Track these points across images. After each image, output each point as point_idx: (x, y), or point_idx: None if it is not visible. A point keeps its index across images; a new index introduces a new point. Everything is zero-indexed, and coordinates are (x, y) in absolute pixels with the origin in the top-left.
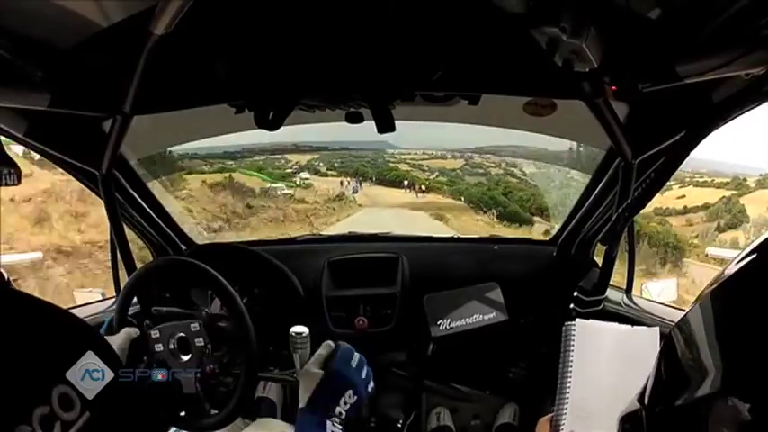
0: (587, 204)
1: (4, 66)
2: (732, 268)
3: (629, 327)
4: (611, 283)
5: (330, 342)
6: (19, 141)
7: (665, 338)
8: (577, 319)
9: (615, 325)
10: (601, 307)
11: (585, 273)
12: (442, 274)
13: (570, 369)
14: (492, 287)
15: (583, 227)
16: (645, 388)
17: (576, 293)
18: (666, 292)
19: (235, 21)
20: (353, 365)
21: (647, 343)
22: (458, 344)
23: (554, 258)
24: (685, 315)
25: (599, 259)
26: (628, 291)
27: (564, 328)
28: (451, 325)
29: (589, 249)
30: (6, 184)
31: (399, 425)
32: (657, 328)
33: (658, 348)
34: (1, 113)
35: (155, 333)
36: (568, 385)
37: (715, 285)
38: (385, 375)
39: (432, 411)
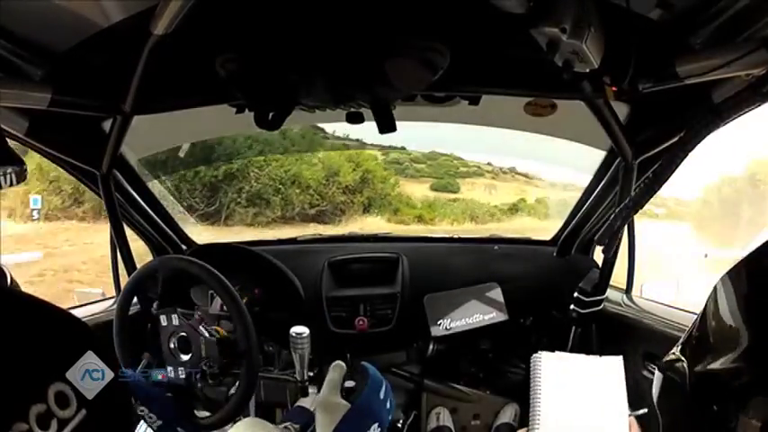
0: (588, 204)
1: (4, 66)
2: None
3: (593, 357)
4: (611, 283)
5: (341, 363)
6: (19, 141)
7: (714, 289)
8: (543, 353)
9: (580, 356)
10: (601, 307)
11: (585, 273)
12: (442, 275)
13: (539, 399)
14: (492, 287)
15: (583, 227)
16: (689, 336)
17: (575, 294)
18: (666, 292)
19: (235, 21)
20: (381, 397)
21: (611, 370)
22: (458, 344)
23: (554, 258)
24: (726, 273)
25: (599, 259)
26: (628, 291)
27: (531, 360)
28: (452, 325)
29: (589, 249)
30: (11, 184)
31: (399, 425)
32: (620, 358)
33: (622, 375)
34: (1, 113)
35: (164, 320)
36: (538, 418)
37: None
38: (385, 375)
39: (432, 411)
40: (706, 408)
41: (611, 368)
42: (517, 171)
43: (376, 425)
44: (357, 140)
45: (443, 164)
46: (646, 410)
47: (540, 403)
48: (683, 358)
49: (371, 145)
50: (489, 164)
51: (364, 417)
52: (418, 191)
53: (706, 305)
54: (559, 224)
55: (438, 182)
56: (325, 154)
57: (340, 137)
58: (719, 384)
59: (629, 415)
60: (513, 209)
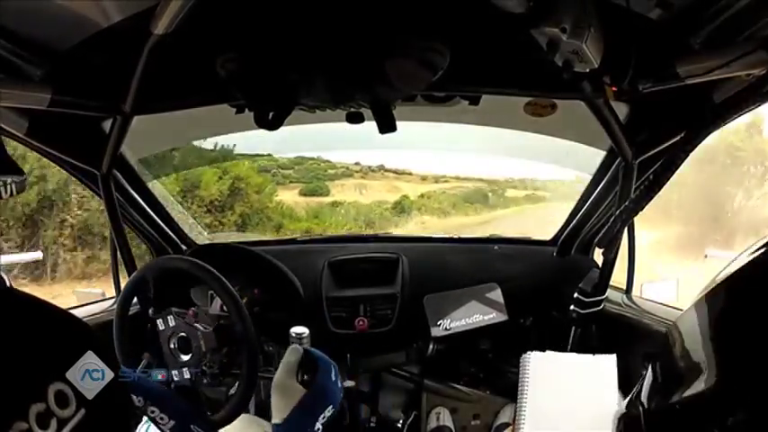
0: (588, 205)
1: (4, 66)
2: (728, 271)
3: (586, 356)
4: (611, 283)
5: (298, 347)
6: (19, 141)
7: (663, 337)
8: (532, 352)
9: (572, 355)
10: (601, 308)
11: (585, 273)
12: (442, 275)
13: (525, 397)
14: (492, 287)
15: (583, 227)
16: (640, 387)
17: (576, 294)
18: (666, 292)
19: (235, 20)
20: (333, 379)
21: (604, 368)
22: (458, 344)
23: (554, 258)
24: (682, 315)
25: (599, 259)
26: (628, 291)
27: (521, 359)
28: (452, 325)
29: (589, 250)
30: (13, 194)
31: (399, 425)
32: (614, 356)
33: (615, 373)
34: (1, 113)
35: (159, 325)
36: (524, 414)
37: (711, 288)
38: (385, 375)
39: (432, 411)
40: None
41: (603, 367)
42: (386, 168)
43: (330, 407)
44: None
45: (311, 168)
46: None
47: (526, 401)
48: (632, 406)
49: (240, 155)
50: (357, 163)
51: (320, 400)
52: (288, 197)
53: (667, 335)
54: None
55: (306, 186)
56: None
57: (206, 148)
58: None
59: None
60: (398, 207)
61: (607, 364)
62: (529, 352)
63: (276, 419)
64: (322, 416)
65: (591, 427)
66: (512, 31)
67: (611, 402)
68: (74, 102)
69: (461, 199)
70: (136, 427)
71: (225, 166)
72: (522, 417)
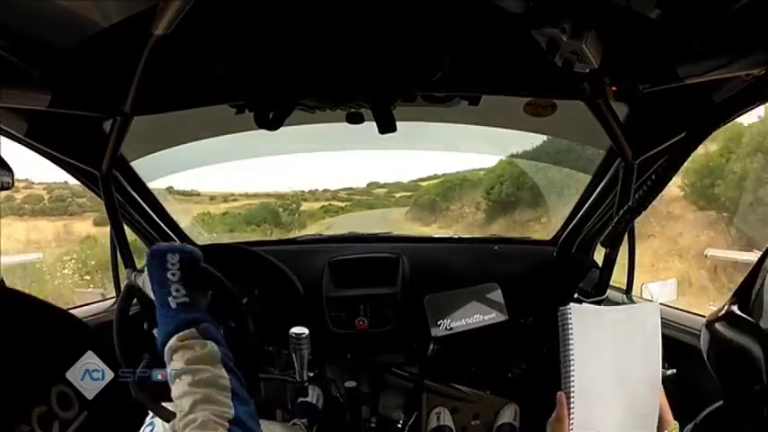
0: (588, 204)
1: (4, 66)
2: None
3: (628, 305)
4: (611, 283)
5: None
6: (19, 141)
7: None
8: (572, 304)
9: (613, 307)
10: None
11: (586, 273)
12: (442, 275)
13: (572, 353)
14: (492, 287)
15: (583, 227)
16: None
17: (576, 294)
18: (666, 292)
19: (235, 21)
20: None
21: (647, 318)
22: (458, 344)
23: (554, 258)
24: None
25: (599, 259)
26: (628, 291)
27: (560, 313)
28: (452, 325)
29: (589, 250)
30: (3, 188)
31: (399, 425)
32: (657, 304)
33: (659, 323)
34: (1, 113)
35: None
36: (573, 367)
37: None
38: (385, 375)
39: (432, 411)
40: None
41: (646, 315)
42: (174, 190)
43: None
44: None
45: None
46: (675, 371)
47: (573, 361)
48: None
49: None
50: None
51: None
52: (82, 228)
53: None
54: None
55: (100, 215)
56: None
57: None
58: None
59: None
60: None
61: (651, 311)
62: (565, 306)
63: None
64: None
65: (634, 392)
66: (512, 32)
67: (655, 358)
68: (74, 102)
69: (243, 220)
70: (140, 427)
71: None
72: (572, 380)
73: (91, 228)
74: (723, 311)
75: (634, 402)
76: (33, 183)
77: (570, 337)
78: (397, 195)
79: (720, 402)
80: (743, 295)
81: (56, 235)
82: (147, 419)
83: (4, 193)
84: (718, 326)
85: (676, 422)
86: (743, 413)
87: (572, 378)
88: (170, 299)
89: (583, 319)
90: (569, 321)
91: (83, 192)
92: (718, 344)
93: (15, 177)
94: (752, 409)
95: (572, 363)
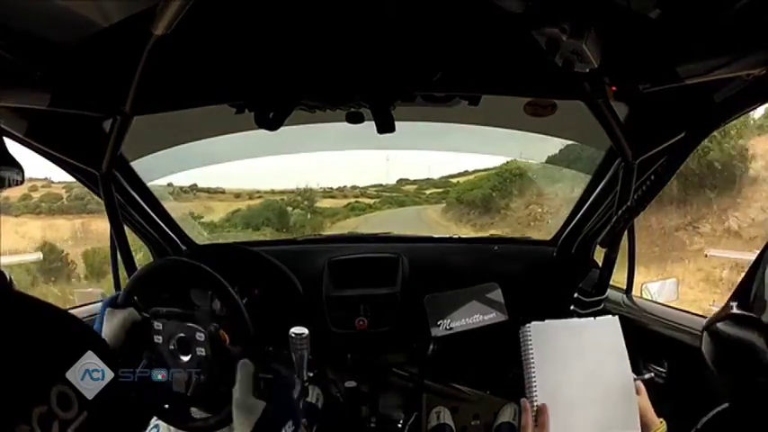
0: (587, 204)
1: (4, 65)
2: None
3: (587, 320)
4: (611, 283)
5: (248, 361)
6: (19, 141)
7: None
8: (532, 322)
9: (573, 320)
10: (601, 307)
11: (585, 273)
12: (442, 275)
13: (533, 370)
14: (492, 287)
15: (583, 227)
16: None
17: (576, 294)
18: (666, 291)
19: (235, 21)
20: (295, 396)
21: (608, 331)
22: (458, 344)
23: (554, 258)
24: None
25: (599, 259)
26: (628, 291)
27: (520, 332)
28: (452, 325)
29: (589, 250)
30: (10, 185)
31: (399, 425)
32: (616, 318)
33: (620, 334)
34: (1, 113)
35: (158, 325)
36: (534, 386)
37: None
38: (385, 375)
39: (432, 411)
40: None
41: (607, 329)
42: (198, 188)
43: (291, 422)
44: None
45: None
46: (652, 374)
47: (534, 373)
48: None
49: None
50: (170, 184)
51: (280, 414)
52: (100, 226)
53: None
54: None
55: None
56: None
57: None
58: None
59: (635, 379)
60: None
61: (610, 326)
62: (527, 324)
63: None
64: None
65: (605, 395)
66: (512, 32)
67: (623, 366)
68: (74, 102)
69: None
70: (140, 428)
71: None
72: (534, 391)
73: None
74: (723, 313)
75: (607, 407)
76: (53, 182)
77: (531, 351)
78: (428, 192)
79: (725, 405)
80: (742, 295)
81: (73, 233)
82: (153, 422)
83: (19, 191)
84: (719, 326)
85: (662, 420)
86: (751, 409)
87: (534, 388)
88: None
89: (542, 335)
90: (529, 338)
91: (84, 192)
92: (721, 343)
93: (31, 176)
94: (761, 404)
95: (533, 376)
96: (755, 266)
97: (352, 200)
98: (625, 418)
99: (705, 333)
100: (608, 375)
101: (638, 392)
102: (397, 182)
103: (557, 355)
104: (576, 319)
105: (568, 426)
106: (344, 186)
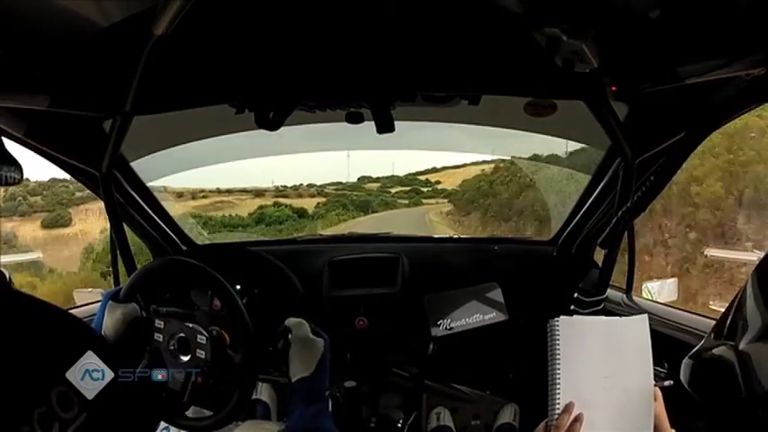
0: (587, 204)
1: (4, 66)
2: None
3: (616, 318)
4: (611, 282)
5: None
6: (19, 141)
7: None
8: (561, 317)
9: (601, 318)
10: (601, 307)
11: (586, 273)
12: (442, 275)
13: (558, 365)
14: (492, 287)
15: (583, 227)
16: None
17: (576, 294)
18: (666, 291)
19: (235, 21)
20: (312, 413)
21: (636, 331)
22: (458, 344)
23: (554, 258)
24: None
25: (599, 259)
26: (628, 291)
27: (548, 325)
28: (452, 325)
29: (589, 250)
30: (8, 184)
31: (399, 425)
32: (645, 316)
33: (648, 335)
34: (1, 113)
35: (159, 323)
36: (558, 382)
37: None
38: (385, 375)
39: (432, 411)
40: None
41: (635, 328)
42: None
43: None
44: None
45: (60, 192)
46: (671, 382)
47: (558, 369)
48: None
49: None
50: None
51: (329, 359)
52: (28, 231)
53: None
54: None
55: (49, 215)
56: None
57: None
58: None
59: (654, 385)
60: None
61: (640, 325)
62: (556, 318)
63: (304, 373)
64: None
65: (626, 398)
66: (512, 32)
67: (646, 369)
68: (74, 102)
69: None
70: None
71: None
72: (557, 388)
73: (39, 231)
74: (702, 344)
75: (626, 411)
76: None
77: (557, 345)
78: (393, 191)
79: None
80: (721, 326)
81: None
82: (161, 425)
83: None
84: (698, 354)
85: (674, 431)
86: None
87: (558, 385)
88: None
89: (570, 330)
90: (557, 332)
91: (38, 189)
92: (699, 370)
93: None
94: (741, 418)
95: (558, 375)
96: (734, 301)
97: (308, 199)
98: (641, 424)
99: (685, 362)
100: (631, 377)
101: (654, 399)
102: (359, 180)
103: (582, 351)
104: (604, 317)
105: (587, 424)
106: (300, 185)
